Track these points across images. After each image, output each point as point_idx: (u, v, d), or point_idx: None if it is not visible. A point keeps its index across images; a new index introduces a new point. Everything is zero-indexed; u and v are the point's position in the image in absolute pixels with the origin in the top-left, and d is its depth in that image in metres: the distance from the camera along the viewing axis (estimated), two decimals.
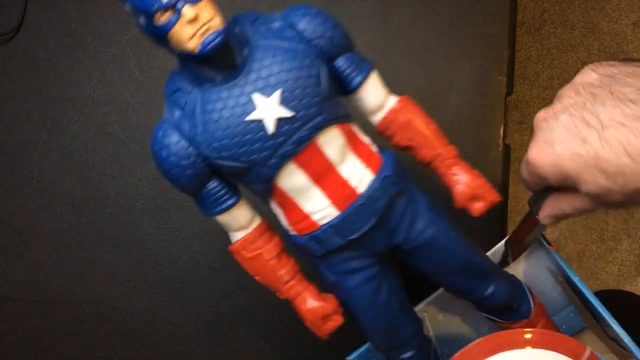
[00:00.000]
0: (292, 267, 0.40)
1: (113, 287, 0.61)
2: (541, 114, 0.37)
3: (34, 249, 0.62)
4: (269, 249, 0.39)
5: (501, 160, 0.61)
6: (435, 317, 0.52)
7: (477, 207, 0.39)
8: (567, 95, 0.36)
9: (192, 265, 0.62)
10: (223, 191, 0.37)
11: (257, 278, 0.40)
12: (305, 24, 0.35)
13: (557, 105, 0.36)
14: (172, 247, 0.62)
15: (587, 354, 0.41)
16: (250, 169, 0.35)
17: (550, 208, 0.40)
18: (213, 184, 0.36)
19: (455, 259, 0.41)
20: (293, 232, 0.39)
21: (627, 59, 0.36)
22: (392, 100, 0.40)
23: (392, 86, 0.64)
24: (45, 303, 0.61)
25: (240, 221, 0.38)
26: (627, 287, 1.29)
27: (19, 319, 0.61)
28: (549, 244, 0.48)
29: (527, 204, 0.42)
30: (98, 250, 0.62)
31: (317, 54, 0.35)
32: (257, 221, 0.39)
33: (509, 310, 0.45)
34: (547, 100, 1.36)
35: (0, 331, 0.61)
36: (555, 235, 1.30)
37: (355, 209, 0.37)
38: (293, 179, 0.36)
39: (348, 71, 0.37)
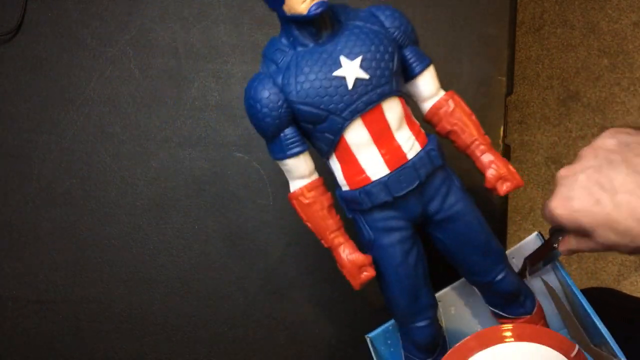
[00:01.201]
0: (338, 220, 0.46)
1: (113, 287, 0.61)
2: (563, 171, 0.43)
3: (34, 249, 0.62)
4: (322, 200, 0.45)
5: None
6: (448, 309, 0.55)
7: (504, 188, 0.46)
8: (587, 157, 0.42)
9: (192, 265, 0.62)
10: (296, 138, 0.43)
11: (308, 224, 0.45)
12: (386, 16, 0.44)
13: (576, 166, 0.42)
14: (172, 247, 0.62)
15: (575, 350, 0.43)
16: (326, 117, 0.42)
17: (568, 244, 0.46)
18: (290, 130, 0.43)
19: (477, 236, 0.47)
20: (346, 187, 0.45)
21: None
22: (442, 92, 0.47)
23: None
24: (45, 303, 0.61)
25: (302, 169, 0.44)
26: (627, 287, 1.29)
27: (19, 319, 0.61)
28: (562, 267, 0.53)
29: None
30: (98, 250, 0.62)
31: (392, 39, 0.43)
32: (315, 175, 0.46)
33: (515, 302, 0.49)
34: (547, 100, 1.37)
35: (0, 331, 0.61)
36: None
37: (403, 171, 0.43)
38: (358, 134, 0.43)
39: (412, 60, 0.45)
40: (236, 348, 0.61)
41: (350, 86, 0.41)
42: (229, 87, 0.64)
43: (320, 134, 0.43)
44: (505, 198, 0.61)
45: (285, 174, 0.46)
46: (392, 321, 0.53)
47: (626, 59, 1.38)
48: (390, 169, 0.43)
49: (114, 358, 0.61)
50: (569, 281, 0.51)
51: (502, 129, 0.62)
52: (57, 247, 0.62)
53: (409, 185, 0.43)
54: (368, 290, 0.59)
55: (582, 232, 0.42)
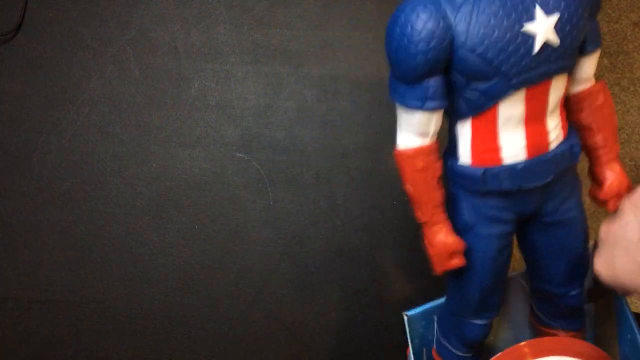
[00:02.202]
0: (443, 195, 0.40)
1: (113, 287, 0.61)
2: (604, 228, 0.39)
3: (34, 249, 0.62)
4: (435, 168, 0.39)
5: None
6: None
7: (617, 204, 0.42)
8: (626, 213, 0.38)
9: (192, 265, 0.62)
10: (441, 90, 0.36)
11: (411, 190, 0.39)
12: None
13: (617, 223, 0.38)
14: (172, 247, 0.62)
15: None
16: (493, 76, 0.34)
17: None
18: (438, 79, 0.35)
19: (577, 247, 0.43)
20: (466, 160, 0.39)
21: None
22: (594, 80, 0.41)
23: None
24: (45, 303, 0.61)
25: (430, 127, 0.37)
26: None
27: (19, 319, 0.61)
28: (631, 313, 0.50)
29: None
30: (98, 250, 0.62)
31: (588, 3, 0.36)
32: (435, 137, 0.39)
33: (573, 317, 0.47)
34: None
35: (0, 331, 0.61)
36: None
37: (540, 162, 0.38)
38: (515, 107, 0.36)
39: (590, 34, 0.38)
40: (236, 348, 0.61)
41: (536, 48, 0.34)
42: (229, 87, 0.64)
43: (470, 92, 0.36)
44: None
45: (403, 125, 0.38)
46: (433, 303, 0.51)
47: (626, 59, 1.38)
48: (528, 156, 0.38)
49: (114, 358, 0.61)
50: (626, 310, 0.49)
51: None
52: (57, 247, 0.62)
53: (540, 180, 0.38)
54: (369, 289, 0.59)
55: (624, 292, 0.40)
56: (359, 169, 0.63)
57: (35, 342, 0.61)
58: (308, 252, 0.62)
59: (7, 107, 0.64)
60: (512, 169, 0.38)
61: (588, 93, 0.41)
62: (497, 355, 0.42)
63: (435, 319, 0.51)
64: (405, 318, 0.51)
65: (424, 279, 0.61)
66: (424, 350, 0.52)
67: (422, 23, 0.33)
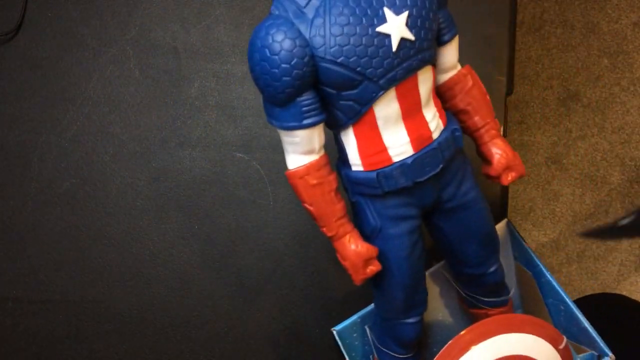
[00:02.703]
0: (344, 206, 0.40)
1: (113, 287, 0.61)
2: None
3: (34, 249, 0.62)
4: (330, 181, 0.39)
5: None
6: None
7: (509, 177, 0.43)
8: None
9: (192, 265, 0.62)
10: (316, 105, 0.36)
11: (311, 208, 0.39)
12: None
13: None
14: (172, 247, 0.62)
15: (564, 343, 0.43)
16: (360, 83, 0.35)
17: None
18: (310, 95, 0.36)
19: (484, 226, 0.44)
20: (358, 167, 0.40)
21: None
22: (459, 66, 0.43)
23: None
24: (45, 303, 0.61)
25: (314, 143, 0.38)
26: (627, 287, 1.29)
27: (19, 319, 0.61)
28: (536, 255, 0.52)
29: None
30: (98, 250, 0.62)
31: None
32: (323, 151, 0.39)
33: (496, 293, 0.48)
34: (547, 100, 1.37)
35: (0, 331, 0.61)
36: (555, 235, 1.30)
37: (428, 153, 0.39)
38: (389, 107, 0.37)
39: (443, 25, 0.39)
40: (236, 348, 0.61)
41: (394, 47, 0.35)
42: (229, 87, 0.64)
43: (344, 103, 0.37)
44: (505, 198, 0.61)
45: (288, 146, 0.39)
46: (359, 313, 0.52)
47: (626, 59, 1.38)
48: (415, 150, 0.39)
49: (114, 358, 0.61)
50: (546, 273, 0.50)
51: (502, 129, 0.61)
52: (57, 247, 0.62)
53: (432, 170, 0.39)
54: (369, 289, 0.59)
55: None
56: None
57: (35, 342, 0.61)
58: (308, 252, 0.62)
59: (7, 107, 0.64)
60: (403, 165, 0.38)
61: (457, 79, 0.42)
62: (441, 351, 0.42)
63: (367, 328, 0.51)
64: (335, 333, 0.51)
65: None
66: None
67: (278, 45, 0.33)
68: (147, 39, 0.65)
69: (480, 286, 0.48)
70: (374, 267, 0.41)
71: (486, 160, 0.44)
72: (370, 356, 0.53)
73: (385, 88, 0.36)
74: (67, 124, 0.63)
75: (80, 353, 0.61)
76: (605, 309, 0.57)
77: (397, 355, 0.48)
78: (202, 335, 0.61)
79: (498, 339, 0.42)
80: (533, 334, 0.43)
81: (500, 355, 0.42)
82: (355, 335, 0.53)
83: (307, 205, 0.39)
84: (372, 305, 0.52)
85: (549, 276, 0.50)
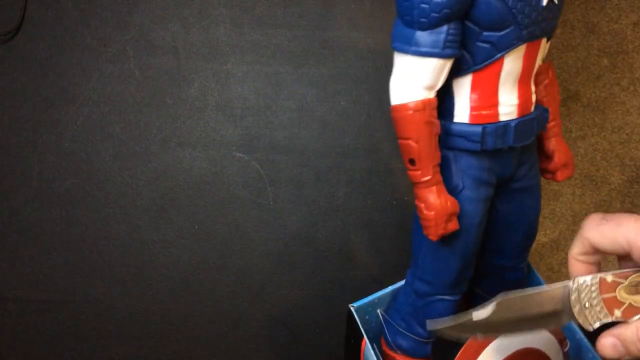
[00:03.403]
0: (440, 156, 0.39)
1: (113, 287, 0.61)
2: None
3: (34, 249, 0.62)
4: (437, 124, 0.38)
5: None
6: None
7: (564, 174, 0.44)
8: None
9: (192, 265, 0.62)
10: (458, 38, 0.36)
11: (415, 145, 0.37)
12: None
13: None
14: (172, 247, 0.62)
15: (567, 347, 0.43)
16: (508, 25, 0.35)
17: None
18: (456, 26, 0.35)
19: (534, 215, 0.45)
20: (461, 119, 0.39)
21: None
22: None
23: None
24: (45, 303, 0.61)
25: (440, 78, 0.37)
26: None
27: (19, 319, 0.61)
28: None
29: None
30: (98, 250, 0.62)
31: None
32: (436, 94, 0.38)
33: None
34: None
35: (0, 331, 0.61)
36: (555, 235, 1.30)
37: (527, 121, 0.39)
38: (515, 63, 0.37)
39: None
40: (236, 348, 0.61)
41: (544, 2, 0.35)
42: (229, 87, 0.64)
43: (481, 44, 0.36)
44: None
45: (411, 77, 0.36)
46: (376, 294, 0.50)
47: (626, 59, 1.38)
48: (518, 115, 0.38)
49: (114, 358, 0.61)
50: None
51: None
52: (57, 247, 0.62)
53: (526, 139, 0.39)
54: (369, 290, 0.59)
55: None
56: (359, 169, 0.63)
57: (35, 342, 0.61)
58: (308, 252, 0.62)
59: (7, 107, 0.64)
60: (507, 126, 0.38)
61: (543, 69, 0.42)
62: (461, 350, 0.42)
63: (379, 311, 0.49)
64: (353, 309, 0.48)
65: None
66: (374, 345, 0.50)
67: None
68: (147, 39, 0.65)
69: (502, 282, 0.47)
70: (452, 225, 0.39)
71: (547, 155, 0.44)
72: (377, 341, 0.52)
73: (524, 40, 0.36)
74: (67, 124, 0.63)
75: (80, 353, 0.61)
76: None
77: (421, 340, 0.46)
78: (202, 335, 0.61)
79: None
80: (546, 329, 0.43)
81: (519, 347, 0.43)
82: (367, 317, 0.51)
83: (411, 142, 0.37)
84: (387, 289, 0.50)
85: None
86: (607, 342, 0.32)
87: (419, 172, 0.38)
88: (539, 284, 0.51)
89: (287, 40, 0.65)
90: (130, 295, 0.61)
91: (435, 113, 0.37)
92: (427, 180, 0.38)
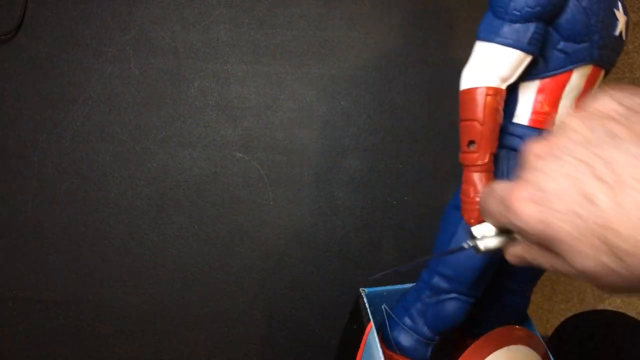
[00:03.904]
0: (497, 146, 0.40)
1: (113, 287, 0.61)
2: (536, 148, 0.27)
3: (34, 249, 0.62)
4: (502, 115, 0.40)
5: None
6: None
7: None
8: (576, 129, 0.26)
9: (192, 265, 0.62)
10: (541, 39, 0.38)
11: (480, 128, 0.39)
12: None
13: (560, 140, 0.27)
14: (172, 247, 0.62)
15: (547, 351, 0.43)
16: (585, 40, 0.38)
17: (519, 251, 0.31)
18: (542, 27, 0.38)
19: None
20: (520, 121, 0.41)
21: None
22: None
23: (393, 86, 0.64)
24: (45, 303, 0.61)
25: (516, 73, 0.39)
26: None
27: (19, 319, 0.61)
28: None
29: None
30: (98, 250, 0.62)
31: None
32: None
33: (509, 322, 0.47)
34: None
35: (0, 331, 0.61)
36: None
37: None
38: (580, 80, 0.40)
39: None
40: (236, 348, 0.61)
41: (617, 32, 0.39)
42: (228, 87, 0.64)
43: (557, 53, 0.39)
44: None
45: (490, 66, 0.39)
46: (385, 287, 0.49)
47: (626, 59, 1.38)
48: None
49: (114, 358, 0.61)
50: None
51: None
52: (57, 247, 0.62)
53: None
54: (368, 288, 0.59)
55: (549, 246, 0.26)
56: (359, 169, 0.63)
57: (35, 342, 0.61)
58: (308, 252, 0.62)
59: (7, 107, 0.64)
60: None
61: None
62: (463, 354, 0.42)
63: (384, 307, 0.48)
64: (364, 294, 0.48)
65: None
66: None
67: None
68: (147, 39, 0.65)
69: (503, 306, 0.47)
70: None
71: None
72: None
73: (594, 59, 0.39)
74: (67, 124, 0.63)
75: (80, 353, 0.61)
76: (602, 326, 0.57)
77: (423, 340, 0.46)
78: (202, 335, 0.61)
79: (513, 349, 0.43)
80: (531, 348, 0.43)
81: None
82: (372, 309, 0.50)
83: (476, 124, 0.38)
84: (396, 286, 0.50)
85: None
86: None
87: (475, 155, 0.39)
88: None
89: (287, 40, 0.65)
90: (130, 295, 0.61)
91: (503, 103, 0.39)
92: (482, 165, 0.39)
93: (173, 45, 0.65)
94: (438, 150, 0.63)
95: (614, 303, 1.27)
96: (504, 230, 0.31)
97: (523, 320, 0.48)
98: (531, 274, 0.46)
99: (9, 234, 0.62)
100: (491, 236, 0.32)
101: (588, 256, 0.24)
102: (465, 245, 0.33)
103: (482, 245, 0.32)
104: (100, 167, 0.63)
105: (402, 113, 0.64)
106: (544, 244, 0.26)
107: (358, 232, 0.62)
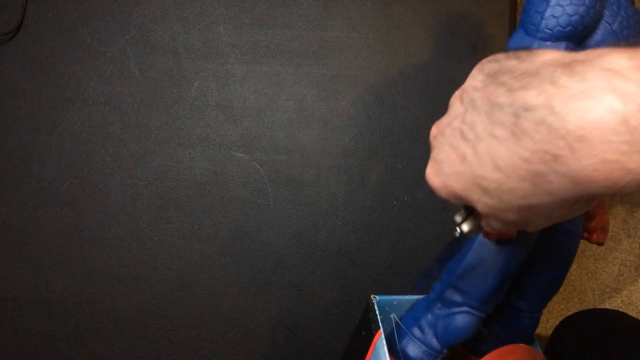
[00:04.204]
0: None
1: (113, 287, 0.61)
2: (432, 130, 0.34)
3: (34, 249, 0.62)
4: None
5: None
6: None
7: (600, 237, 0.48)
8: (453, 104, 0.33)
9: (192, 265, 0.62)
10: None
11: None
12: None
13: (444, 119, 0.33)
14: (172, 247, 0.62)
15: None
16: None
17: (486, 222, 0.35)
18: (573, 47, 0.39)
19: (567, 262, 0.46)
20: None
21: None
22: None
23: (392, 86, 0.64)
24: (45, 303, 0.61)
25: None
26: (627, 287, 1.29)
27: (19, 319, 0.61)
28: None
29: None
30: (98, 250, 0.62)
31: None
32: None
33: (514, 339, 0.47)
34: None
35: (0, 331, 0.61)
36: None
37: None
38: None
39: None
40: (236, 348, 0.61)
41: None
42: (229, 87, 0.64)
43: None
44: None
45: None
46: (396, 297, 0.49)
47: None
48: None
49: (114, 358, 0.61)
50: None
51: None
52: (57, 247, 0.62)
53: None
54: (369, 290, 0.59)
55: (464, 203, 0.32)
56: (359, 169, 0.63)
57: (35, 342, 0.61)
58: (308, 252, 0.62)
59: (7, 107, 0.64)
60: None
61: None
62: None
63: (392, 316, 0.48)
64: (375, 302, 0.48)
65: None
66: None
67: None
68: (147, 39, 0.65)
69: (513, 326, 0.47)
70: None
71: (589, 214, 0.47)
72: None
73: None
74: (67, 124, 0.63)
75: (80, 353, 0.61)
76: (602, 326, 0.57)
77: (431, 352, 0.46)
78: (202, 335, 0.61)
79: None
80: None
81: None
82: (381, 317, 0.50)
83: None
84: (409, 296, 0.50)
85: None
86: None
87: None
88: None
89: (287, 40, 0.65)
90: (130, 295, 0.61)
91: None
92: None
93: (173, 45, 0.65)
94: None
95: (614, 303, 1.27)
96: (471, 209, 0.35)
97: (529, 341, 0.48)
98: (543, 295, 0.46)
99: (9, 234, 0.62)
100: (464, 218, 0.36)
101: (478, 201, 0.30)
102: (456, 234, 0.36)
103: (460, 229, 0.35)
104: (100, 167, 0.63)
105: (402, 113, 0.64)
106: (461, 202, 0.32)
107: (358, 232, 0.62)
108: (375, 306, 0.47)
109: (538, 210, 0.29)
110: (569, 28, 0.37)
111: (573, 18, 0.37)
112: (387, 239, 0.62)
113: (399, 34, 0.64)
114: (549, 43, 0.38)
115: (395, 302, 0.49)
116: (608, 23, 0.38)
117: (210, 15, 0.65)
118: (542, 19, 0.38)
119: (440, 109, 0.64)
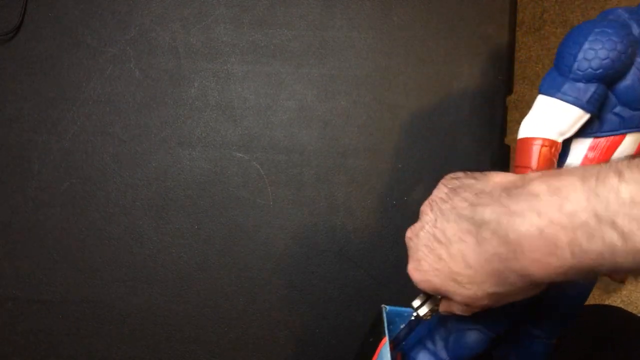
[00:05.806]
0: None
1: (113, 287, 0.61)
2: (408, 233, 0.42)
3: (34, 249, 0.62)
4: (555, 166, 0.43)
5: (501, 160, 0.61)
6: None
7: (621, 275, 0.49)
8: (425, 212, 0.40)
9: (192, 265, 0.62)
10: (600, 101, 0.40)
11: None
12: None
13: (417, 224, 0.41)
14: (172, 247, 0.62)
15: None
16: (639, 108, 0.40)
17: (445, 308, 0.42)
18: (603, 90, 0.40)
19: (586, 292, 0.46)
20: None
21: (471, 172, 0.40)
22: None
23: (392, 86, 0.64)
24: (45, 303, 0.61)
25: (573, 129, 0.41)
26: (627, 287, 1.29)
27: (19, 319, 0.61)
28: None
29: None
30: (98, 250, 0.62)
31: None
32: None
33: None
34: None
35: (0, 331, 0.61)
36: None
37: None
38: (631, 145, 0.42)
39: None
40: (236, 348, 0.61)
41: None
42: (229, 87, 0.64)
43: (612, 116, 0.41)
44: None
45: (548, 120, 0.42)
46: (408, 309, 0.49)
47: None
48: None
49: (114, 358, 0.61)
50: None
51: (502, 128, 0.61)
52: (57, 247, 0.62)
53: None
54: (369, 290, 0.59)
55: (440, 294, 0.40)
56: (359, 169, 0.63)
57: (35, 342, 0.61)
58: (308, 252, 0.62)
59: (7, 107, 0.64)
60: None
61: None
62: None
63: (404, 326, 0.49)
64: (384, 311, 0.50)
65: None
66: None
67: (630, 29, 0.39)
68: (147, 39, 0.65)
69: (525, 352, 0.47)
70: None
71: None
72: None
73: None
74: (67, 124, 0.63)
75: (80, 353, 0.61)
76: (600, 322, 0.57)
77: None
78: (202, 335, 0.61)
79: None
80: None
81: None
82: (391, 327, 0.52)
83: (529, 172, 0.42)
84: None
85: None
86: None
87: None
88: None
89: (287, 40, 0.65)
90: (130, 295, 0.61)
91: (557, 156, 0.42)
92: None
93: (173, 45, 0.65)
94: (438, 151, 0.63)
95: (614, 303, 1.26)
96: (429, 296, 0.43)
97: None
98: (557, 322, 0.46)
99: (9, 234, 0.62)
100: (422, 303, 0.43)
101: (455, 293, 0.37)
102: (412, 317, 0.44)
103: (417, 313, 0.43)
104: (100, 167, 0.63)
105: (402, 113, 0.64)
106: (437, 294, 0.40)
107: (358, 232, 0.62)
108: (384, 315, 0.49)
109: (505, 295, 0.36)
110: (600, 71, 0.39)
111: (604, 62, 0.38)
112: (387, 239, 0.62)
113: (399, 34, 0.64)
114: (580, 84, 0.39)
115: (405, 314, 0.51)
116: (639, 70, 0.39)
117: (210, 15, 0.65)
118: (574, 60, 0.39)
119: (440, 109, 0.64)
